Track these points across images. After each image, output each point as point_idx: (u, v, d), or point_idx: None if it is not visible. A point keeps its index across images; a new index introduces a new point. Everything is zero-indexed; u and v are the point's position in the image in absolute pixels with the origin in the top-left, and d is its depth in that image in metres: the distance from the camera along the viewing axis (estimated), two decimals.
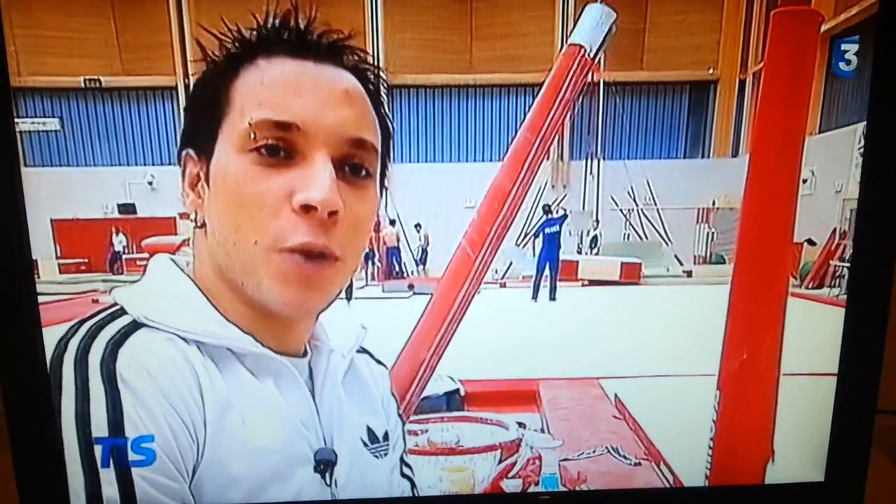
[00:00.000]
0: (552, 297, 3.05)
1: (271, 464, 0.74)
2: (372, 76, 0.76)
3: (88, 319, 0.70)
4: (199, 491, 0.70)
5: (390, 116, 0.80)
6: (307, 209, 0.67)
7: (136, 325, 0.69)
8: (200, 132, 0.72)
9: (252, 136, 0.67)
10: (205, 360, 0.71)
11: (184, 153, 0.76)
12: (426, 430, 1.77)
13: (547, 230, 3.00)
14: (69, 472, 0.67)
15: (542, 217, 3.02)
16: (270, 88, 0.69)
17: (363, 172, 0.73)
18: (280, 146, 0.68)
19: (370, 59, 0.76)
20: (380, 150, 0.76)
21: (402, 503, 0.98)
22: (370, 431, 0.90)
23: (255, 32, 0.72)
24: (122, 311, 0.71)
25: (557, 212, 3.19)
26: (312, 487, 0.78)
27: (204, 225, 0.74)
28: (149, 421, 0.66)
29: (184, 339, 0.70)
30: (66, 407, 0.66)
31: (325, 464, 0.80)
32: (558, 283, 3.07)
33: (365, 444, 0.88)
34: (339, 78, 0.72)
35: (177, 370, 0.69)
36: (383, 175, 0.80)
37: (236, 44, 0.72)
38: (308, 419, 0.80)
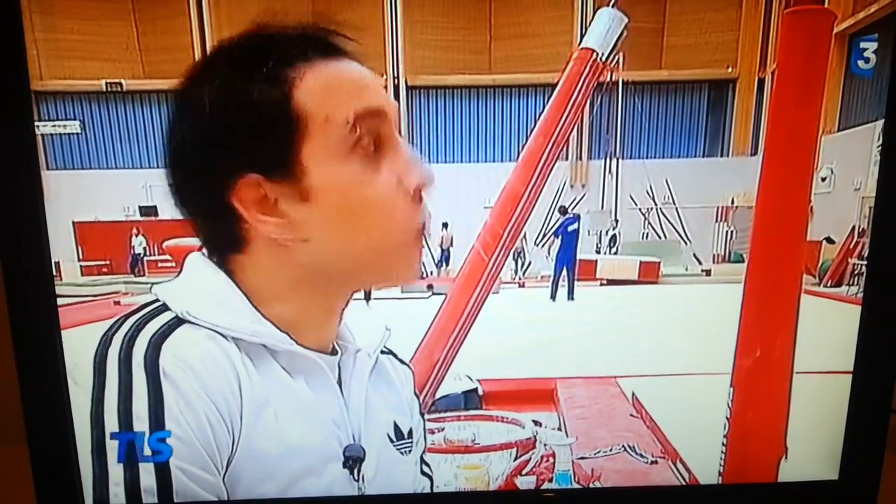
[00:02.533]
0: (570, 297, 3.04)
1: (302, 459, 0.78)
2: None
3: (132, 315, 0.74)
4: (232, 484, 0.73)
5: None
6: (421, 189, 0.71)
7: (178, 321, 0.73)
8: (268, 155, 0.73)
9: (356, 131, 0.69)
10: (243, 356, 0.75)
11: (235, 185, 0.74)
12: (443, 429, 1.79)
13: (569, 227, 2.98)
14: (109, 463, 0.70)
15: (559, 218, 3.00)
16: (343, 90, 0.72)
17: None
18: (375, 138, 0.71)
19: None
20: None
21: (415, 499, 1.00)
22: (396, 428, 0.93)
23: (279, 48, 0.73)
24: (165, 308, 0.74)
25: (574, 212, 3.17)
26: (341, 482, 0.82)
27: (290, 242, 0.76)
28: (189, 415, 0.69)
29: (223, 335, 0.73)
30: (109, 400, 0.69)
31: (353, 460, 0.83)
32: (576, 283, 3.06)
33: (391, 441, 0.91)
34: (364, 68, 0.76)
35: (217, 366, 0.72)
36: None
37: (274, 57, 0.73)
38: (338, 416, 0.83)
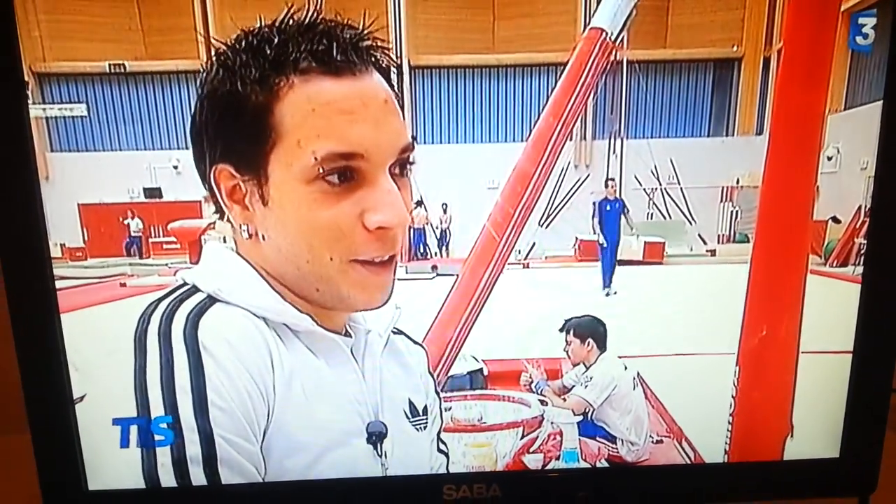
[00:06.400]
0: (605, 285, 2.99)
1: (329, 433, 0.81)
2: (387, 60, 0.78)
3: (166, 297, 0.77)
4: (267, 453, 0.76)
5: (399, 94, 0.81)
6: (382, 228, 0.71)
7: (211, 300, 0.76)
8: (241, 153, 0.74)
9: (319, 170, 0.69)
10: (272, 332, 0.77)
11: (215, 168, 0.77)
12: (450, 408, 1.80)
13: (607, 207, 2.93)
14: (155, 436, 0.73)
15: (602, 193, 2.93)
16: (325, 118, 0.70)
17: (407, 169, 0.77)
18: (346, 173, 0.70)
19: (386, 45, 0.77)
20: None
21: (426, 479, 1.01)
22: (411, 404, 0.96)
23: (276, 49, 0.71)
24: (196, 289, 0.77)
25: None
26: (366, 458, 0.85)
27: (252, 235, 0.78)
28: (229, 386, 0.72)
29: (253, 313, 0.75)
30: (151, 374, 0.72)
31: (377, 436, 0.85)
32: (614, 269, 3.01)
33: (407, 417, 0.93)
34: (375, 88, 0.74)
35: (251, 341, 0.76)
36: None
37: (259, 60, 0.72)
38: (359, 393, 0.85)
